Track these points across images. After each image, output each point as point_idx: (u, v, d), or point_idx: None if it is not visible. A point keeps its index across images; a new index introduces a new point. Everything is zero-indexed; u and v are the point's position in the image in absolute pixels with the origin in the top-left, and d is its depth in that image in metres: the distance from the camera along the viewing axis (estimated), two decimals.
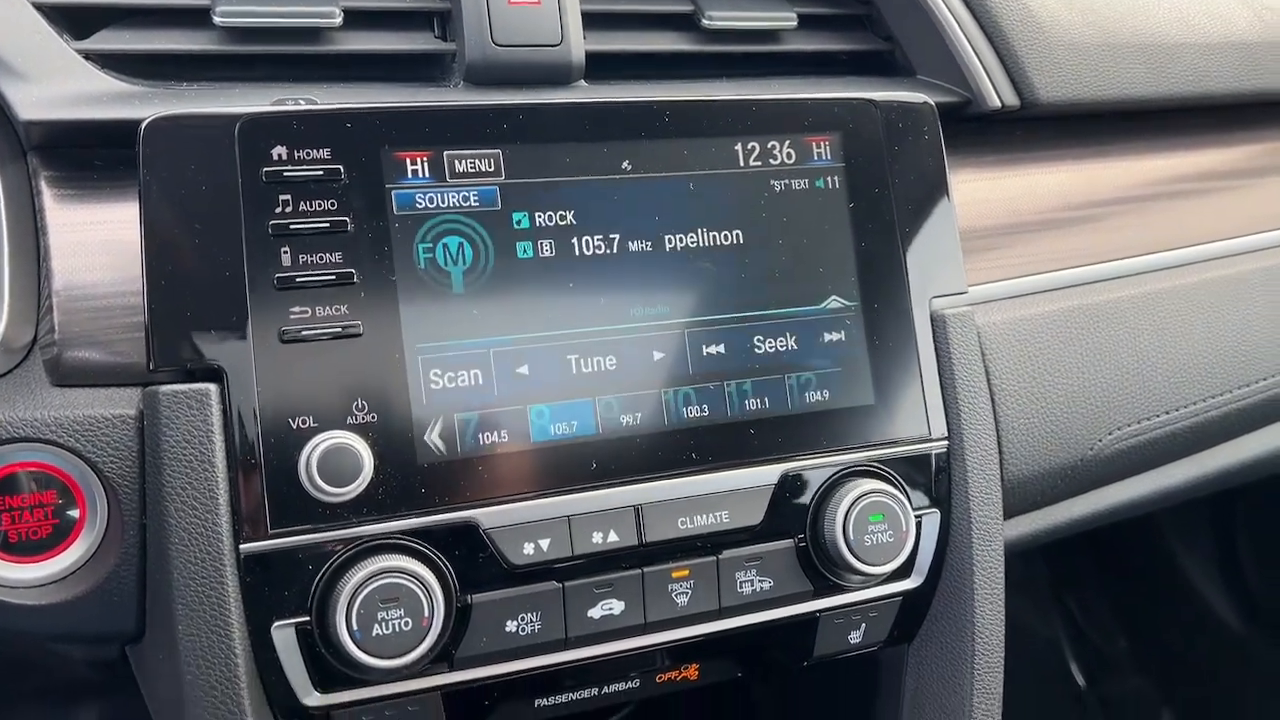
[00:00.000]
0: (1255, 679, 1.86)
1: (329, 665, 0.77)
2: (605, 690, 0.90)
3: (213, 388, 0.75)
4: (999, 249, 1.05)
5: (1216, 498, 1.90)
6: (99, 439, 0.75)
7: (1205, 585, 1.91)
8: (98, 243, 0.79)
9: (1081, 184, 1.10)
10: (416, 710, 0.81)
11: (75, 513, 0.77)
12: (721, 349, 0.87)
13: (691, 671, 0.93)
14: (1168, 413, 1.05)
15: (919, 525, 0.92)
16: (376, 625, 0.75)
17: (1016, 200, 1.07)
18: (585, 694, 0.89)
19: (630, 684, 0.91)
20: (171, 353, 0.75)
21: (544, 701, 0.88)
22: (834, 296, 0.91)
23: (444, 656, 0.80)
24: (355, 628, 0.75)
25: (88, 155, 0.81)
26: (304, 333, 0.77)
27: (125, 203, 0.79)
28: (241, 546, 0.75)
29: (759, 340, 0.89)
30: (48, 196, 0.79)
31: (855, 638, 0.94)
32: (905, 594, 0.94)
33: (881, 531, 0.88)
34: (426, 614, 0.76)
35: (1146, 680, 1.99)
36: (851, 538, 0.87)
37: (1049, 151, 1.10)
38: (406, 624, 0.75)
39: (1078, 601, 2.05)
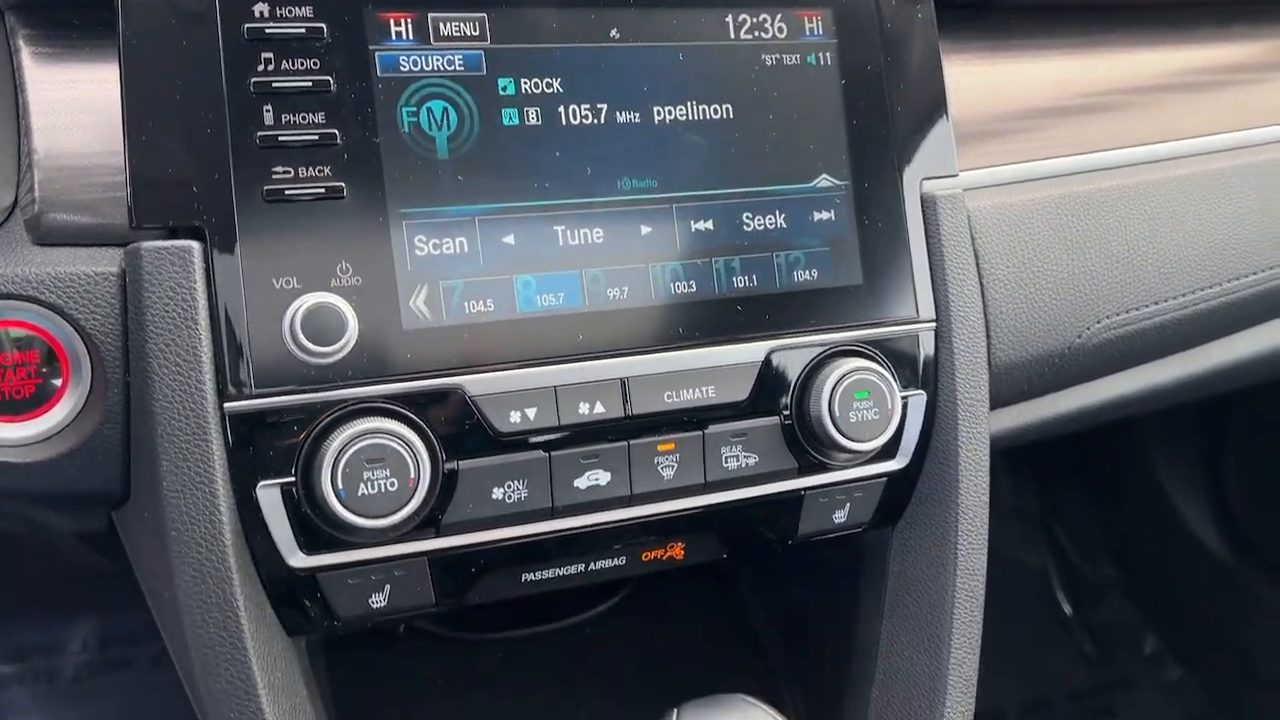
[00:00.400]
0: (1239, 605, 1.88)
1: (315, 526, 0.77)
2: (592, 567, 0.91)
3: (195, 245, 0.75)
4: (991, 136, 1.03)
5: (1205, 427, 1.91)
6: (81, 295, 0.75)
7: (1192, 515, 1.93)
8: (78, 101, 0.77)
9: (1075, 75, 1.08)
10: (403, 575, 0.82)
11: (58, 375, 0.76)
12: (710, 225, 0.87)
13: (677, 550, 0.93)
14: (1156, 303, 1.05)
15: (905, 406, 0.92)
16: (362, 485, 0.75)
17: (1009, 89, 1.06)
18: (572, 569, 0.90)
19: (616, 561, 0.91)
20: (153, 210, 0.74)
21: (530, 575, 0.89)
22: (824, 175, 0.91)
23: (430, 522, 0.80)
24: (340, 487, 0.75)
25: (66, 15, 0.79)
26: (287, 192, 0.76)
27: (105, 63, 0.77)
28: (226, 405, 0.75)
29: (748, 217, 0.88)
30: (26, 54, 0.78)
31: (840, 517, 0.94)
32: (890, 475, 0.94)
33: (867, 409, 0.88)
34: (412, 476, 0.76)
35: (1132, 606, 2.02)
36: (837, 413, 0.87)
37: (1043, 40, 1.08)
38: (392, 484, 0.76)
39: (1066, 531, 2.07)
